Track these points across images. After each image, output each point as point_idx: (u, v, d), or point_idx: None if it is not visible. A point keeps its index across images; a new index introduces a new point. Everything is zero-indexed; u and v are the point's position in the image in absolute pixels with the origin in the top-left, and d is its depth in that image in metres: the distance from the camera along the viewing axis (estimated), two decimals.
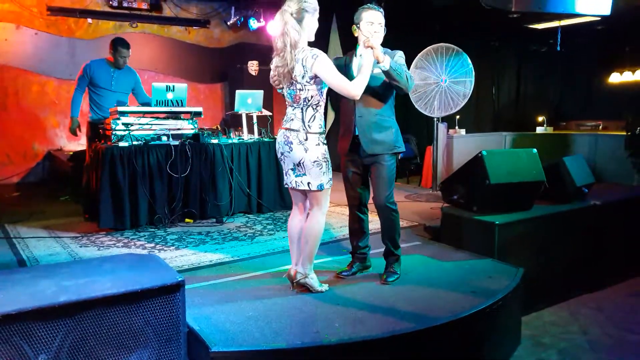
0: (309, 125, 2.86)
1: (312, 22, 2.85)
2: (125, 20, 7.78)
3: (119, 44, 5.22)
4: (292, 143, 2.87)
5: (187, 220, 4.85)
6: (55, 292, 2.08)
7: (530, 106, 10.10)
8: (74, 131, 5.32)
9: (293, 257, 3.12)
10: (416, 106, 6.20)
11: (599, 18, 6.20)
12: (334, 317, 2.70)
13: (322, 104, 2.91)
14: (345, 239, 4.25)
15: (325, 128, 8.49)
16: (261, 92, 5.52)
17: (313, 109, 2.87)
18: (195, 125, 5.07)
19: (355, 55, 3.21)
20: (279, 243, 4.16)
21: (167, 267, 2.54)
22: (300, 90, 2.84)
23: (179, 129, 4.95)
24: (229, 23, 8.48)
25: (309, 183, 2.90)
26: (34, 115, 7.31)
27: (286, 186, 3.06)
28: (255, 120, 5.54)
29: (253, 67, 8.55)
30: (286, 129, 2.91)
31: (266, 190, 5.32)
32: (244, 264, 3.65)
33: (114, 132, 4.61)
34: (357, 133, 3.22)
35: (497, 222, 3.78)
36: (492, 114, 10.09)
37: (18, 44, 7.10)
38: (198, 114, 5.09)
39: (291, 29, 2.77)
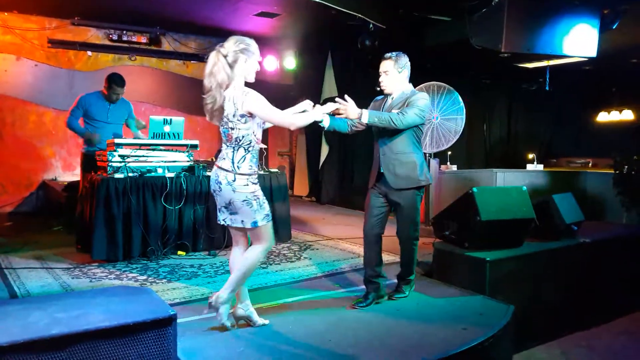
0: (237, 166, 2.86)
1: (249, 65, 2.87)
2: (124, 54, 7.92)
3: (113, 82, 5.26)
4: (221, 183, 2.88)
5: (179, 252, 4.85)
6: (47, 324, 2.09)
7: (521, 143, 10.28)
8: (96, 139, 5.20)
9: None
10: None
11: (586, 59, 6.40)
12: (325, 354, 2.70)
13: (255, 145, 2.91)
14: (337, 273, 4.28)
15: (320, 160, 8.66)
16: None
17: (244, 149, 2.87)
18: (191, 158, 5.12)
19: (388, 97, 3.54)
20: (272, 277, 4.17)
21: (160, 300, 2.56)
22: (232, 129, 2.84)
23: (174, 161, 5.00)
24: None
25: (242, 221, 2.90)
26: (31, 145, 7.35)
27: (220, 223, 3.03)
28: None
29: None
30: (218, 167, 2.93)
31: None
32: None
33: (109, 164, 4.65)
34: (382, 170, 3.46)
35: (487, 259, 3.82)
36: (483, 151, 10.25)
37: (18, 74, 7.20)
38: (194, 146, 5.16)
39: (218, 70, 2.79)
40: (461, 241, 4.19)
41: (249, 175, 2.88)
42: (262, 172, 5.49)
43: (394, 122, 3.25)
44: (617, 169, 6.74)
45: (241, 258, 2.99)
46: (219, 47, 2.84)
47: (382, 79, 3.45)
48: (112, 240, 4.49)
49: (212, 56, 2.83)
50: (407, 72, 3.46)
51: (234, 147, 2.87)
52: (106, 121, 5.27)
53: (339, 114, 3.28)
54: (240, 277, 2.95)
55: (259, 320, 3.08)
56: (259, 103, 2.80)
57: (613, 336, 4.32)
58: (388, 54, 3.45)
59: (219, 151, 3.06)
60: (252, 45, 2.89)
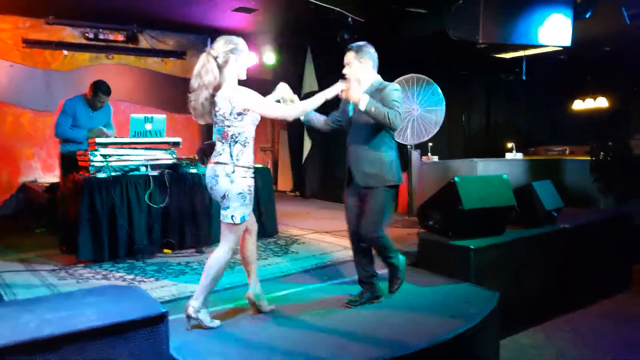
0: (237, 159, 2.93)
1: (240, 64, 2.97)
2: (101, 52, 7.81)
3: (99, 90, 5.18)
4: (218, 176, 2.93)
5: (165, 250, 4.83)
6: (38, 325, 2.08)
7: (500, 133, 10.41)
8: (105, 134, 5.12)
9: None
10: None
11: (560, 48, 6.51)
12: (319, 345, 2.74)
13: (251, 140, 3.00)
14: (325, 266, 4.32)
15: (303, 155, 8.67)
16: None
17: (242, 145, 2.95)
18: (174, 155, 5.10)
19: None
20: (260, 272, 4.15)
21: (150, 298, 2.56)
22: (228, 127, 2.92)
23: (157, 160, 4.97)
24: None
25: (232, 216, 2.95)
26: (8, 147, 7.21)
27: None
28: None
29: None
30: (214, 162, 2.98)
31: None
32: (225, 293, 3.66)
33: (92, 163, 4.60)
34: (351, 168, 3.37)
35: (471, 247, 3.89)
36: (463, 141, 10.37)
37: None
38: (177, 144, 5.13)
39: (206, 72, 2.87)
40: (445, 230, 4.26)
41: (248, 167, 2.96)
42: None
43: (388, 119, 3.12)
44: (594, 156, 6.90)
45: (211, 261, 3.03)
46: (210, 49, 2.92)
47: (345, 71, 3.34)
48: (97, 241, 4.46)
49: (202, 57, 2.91)
50: (370, 62, 3.33)
51: (230, 144, 2.93)
52: (87, 126, 5.20)
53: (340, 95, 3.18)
54: (212, 281, 3.01)
55: (268, 307, 3.24)
56: (255, 99, 2.89)
57: (594, 319, 4.45)
58: (350, 45, 3.37)
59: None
60: (241, 43, 2.99)
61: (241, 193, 2.93)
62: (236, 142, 2.93)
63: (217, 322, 3.04)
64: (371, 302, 3.41)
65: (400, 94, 3.28)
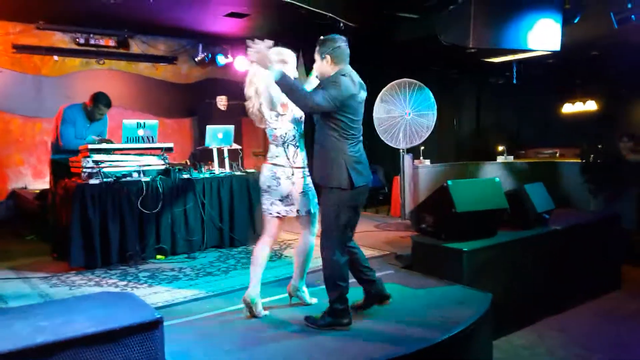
0: (293, 161, 3.18)
1: (287, 71, 3.03)
2: (92, 57, 7.77)
3: (101, 102, 5.17)
4: (279, 178, 3.15)
5: (158, 256, 4.82)
6: (31, 333, 2.06)
7: (491, 136, 10.50)
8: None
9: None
10: (382, 138, 6.40)
11: (550, 53, 6.58)
12: (314, 348, 2.74)
13: (300, 139, 3.22)
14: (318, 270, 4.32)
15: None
16: (232, 127, 5.59)
17: (294, 145, 3.18)
18: (166, 161, 5.09)
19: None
20: None
21: (144, 304, 2.55)
22: (274, 129, 3.15)
23: (149, 165, 4.95)
24: (196, 59, 8.57)
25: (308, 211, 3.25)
26: None
27: (274, 215, 3.21)
28: (226, 154, 5.59)
29: (222, 102, 8.60)
30: (272, 164, 3.17)
31: (238, 224, 5.33)
32: (219, 298, 3.65)
33: (83, 170, 4.58)
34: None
35: (464, 249, 3.92)
36: (454, 144, 10.44)
37: None
38: (169, 149, 5.12)
39: (258, 81, 3.11)
40: (438, 233, 4.28)
41: (303, 167, 3.23)
42: (238, 173, 5.49)
43: (299, 93, 2.87)
44: (584, 158, 6.98)
45: (304, 246, 3.33)
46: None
47: (314, 66, 3.18)
48: (89, 247, 4.44)
49: (254, 67, 3.13)
50: (330, 57, 3.01)
51: (282, 146, 3.16)
52: (82, 138, 5.16)
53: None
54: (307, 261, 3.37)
55: (309, 299, 3.44)
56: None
57: (585, 318, 4.48)
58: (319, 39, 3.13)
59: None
60: (288, 56, 3.21)
61: (302, 192, 3.23)
62: (287, 143, 3.17)
63: (264, 313, 3.23)
64: (380, 304, 3.28)
65: (340, 90, 2.90)
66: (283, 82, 2.89)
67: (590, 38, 7.40)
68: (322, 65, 3.06)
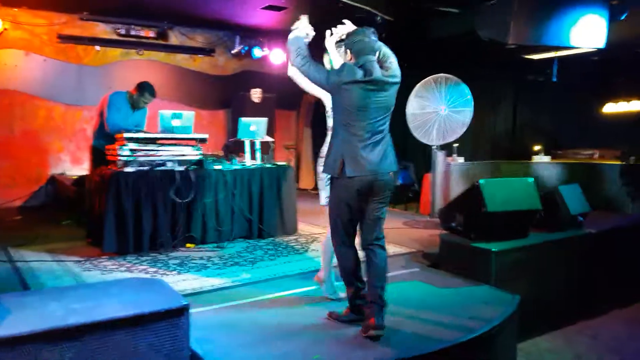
0: None
1: (333, 57, 3.24)
2: (132, 48, 7.96)
3: (147, 91, 5.28)
4: None
5: (188, 245, 4.91)
6: (64, 314, 2.15)
7: (527, 135, 10.26)
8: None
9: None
10: (414, 134, 6.33)
11: (594, 50, 6.38)
12: (337, 343, 2.76)
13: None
14: None
15: None
16: (265, 119, 5.63)
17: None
18: (200, 152, 5.17)
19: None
20: (280, 268, 4.22)
21: (172, 291, 2.61)
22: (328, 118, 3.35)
23: (184, 155, 5.05)
24: (233, 52, 8.67)
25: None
26: (40, 140, 7.42)
27: None
28: (258, 146, 5.64)
29: (256, 94, 8.68)
30: None
31: (267, 216, 5.39)
32: (245, 288, 3.71)
33: (119, 158, 4.70)
34: None
35: (493, 250, 3.86)
36: (489, 143, 10.24)
37: (27, 70, 7.25)
38: (203, 140, 5.19)
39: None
40: (467, 232, 4.23)
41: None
42: (269, 165, 5.54)
43: (299, 54, 3.02)
44: (624, 160, 6.75)
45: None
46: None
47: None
48: (122, 234, 4.56)
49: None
50: (350, 51, 3.00)
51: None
52: (124, 124, 5.27)
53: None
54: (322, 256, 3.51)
55: (335, 294, 3.45)
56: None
57: (617, 325, 4.36)
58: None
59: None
60: (328, 41, 3.27)
61: None
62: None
63: (340, 295, 3.32)
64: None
65: (333, 72, 2.95)
66: (292, 44, 3.07)
67: (636, 35, 7.12)
68: (344, 58, 3.11)
